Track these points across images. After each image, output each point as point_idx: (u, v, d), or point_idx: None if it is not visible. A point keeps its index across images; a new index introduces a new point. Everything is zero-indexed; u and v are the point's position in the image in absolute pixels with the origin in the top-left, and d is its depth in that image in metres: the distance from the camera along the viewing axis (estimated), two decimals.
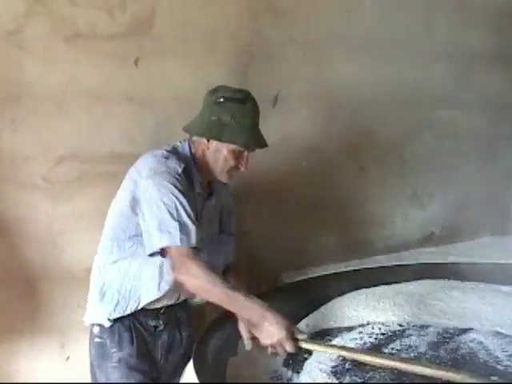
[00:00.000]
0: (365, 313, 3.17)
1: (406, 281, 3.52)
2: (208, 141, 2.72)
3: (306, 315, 3.15)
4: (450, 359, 2.69)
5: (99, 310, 2.77)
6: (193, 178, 2.74)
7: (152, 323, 2.81)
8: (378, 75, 3.96)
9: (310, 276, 3.45)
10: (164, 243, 2.55)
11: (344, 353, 2.58)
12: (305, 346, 2.53)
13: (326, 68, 3.78)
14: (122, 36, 3.15)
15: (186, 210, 2.55)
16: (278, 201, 3.60)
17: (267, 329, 2.47)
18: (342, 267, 3.60)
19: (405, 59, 4.08)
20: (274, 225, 3.63)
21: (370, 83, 3.93)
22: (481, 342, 2.86)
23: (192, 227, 2.54)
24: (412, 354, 2.73)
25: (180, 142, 2.83)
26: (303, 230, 3.71)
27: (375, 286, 3.46)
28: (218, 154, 2.72)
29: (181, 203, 2.55)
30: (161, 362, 2.86)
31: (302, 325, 3.05)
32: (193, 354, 2.49)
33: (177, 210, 2.54)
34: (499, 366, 2.62)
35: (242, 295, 2.52)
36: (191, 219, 2.55)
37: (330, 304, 3.25)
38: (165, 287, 2.70)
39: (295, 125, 3.66)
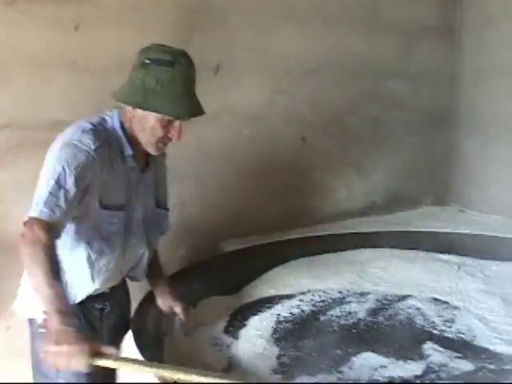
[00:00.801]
0: (306, 281, 3.21)
1: (347, 249, 3.58)
2: (133, 108, 2.37)
3: (247, 283, 3.18)
4: (387, 325, 2.75)
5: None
6: (123, 152, 2.43)
7: (99, 306, 2.57)
8: (323, 45, 3.95)
9: (252, 244, 3.44)
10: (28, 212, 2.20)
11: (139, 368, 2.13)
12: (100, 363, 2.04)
13: (271, 37, 3.75)
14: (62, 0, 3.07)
15: (65, 189, 2.20)
16: (219, 169, 3.58)
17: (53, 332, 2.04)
18: (284, 236, 3.60)
19: (351, 30, 4.08)
20: (215, 193, 3.60)
21: (315, 53, 3.91)
22: (418, 308, 2.92)
23: (61, 208, 2.18)
24: (351, 321, 2.78)
25: (112, 110, 2.48)
26: (245, 199, 3.69)
27: (317, 254, 3.50)
28: (145, 123, 2.37)
29: (64, 179, 2.21)
30: (109, 343, 2.52)
31: (242, 294, 3.08)
32: (131, 324, 2.48)
33: (58, 184, 2.20)
34: (435, 331, 2.69)
35: (58, 286, 2.10)
36: (66, 200, 2.20)
37: (271, 272, 3.28)
38: (100, 278, 2.45)
39: (238, 93, 3.63)
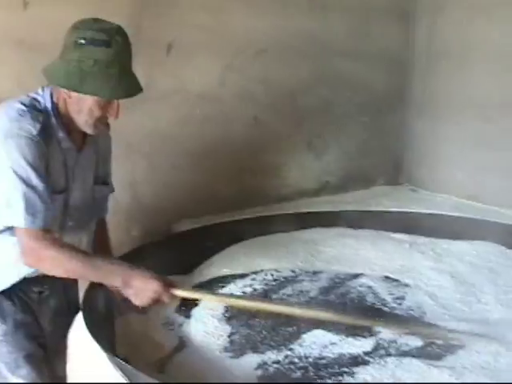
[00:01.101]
0: (259, 260, 3.20)
1: (300, 229, 3.59)
2: (69, 90, 2.30)
3: (200, 263, 3.17)
4: (339, 303, 2.76)
5: None
6: (56, 134, 2.38)
7: (36, 289, 2.55)
8: (274, 25, 3.93)
9: (205, 224, 3.43)
10: (8, 221, 2.28)
11: (222, 299, 2.66)
12: (181, 294, 2.45)
13: (222, 16, 3.72)
14: None
15: (33, 187, 2.23)
16: (171, 149, 3.56)
17: (137, 287, 2.32)
18: (237, 216, 3.60)
19: (303, 10, 4.07)
20: (167, 173, 3.59)
21: (266, 33, 3.90)
22: (370, 287, 2.94)
23: (40, 206, 2.25)
24: (303, 299, 2.79)
25: (42, 88, 2.41)
26: (198, 179, 3.68)
27: (270, 233, 3.51)
28: (82, 104, 2.32)
29: (28, 177, 2.23)
30: (49, 328, 2.60)
31: (196, 273, 3.08)
32: (81, 305, 2.45)
33: (26, 185, 2.22)
34: (385, 308, 2.71)
35: (102, 260, 2.36)
36: (40, 197, 2.25)
37: (224, 252, 3.28)
38: (27, 270, 2.42)
39: (189, 73, 3.60)
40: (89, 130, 2.41)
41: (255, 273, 3.09)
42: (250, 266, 3.14)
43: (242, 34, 3.80)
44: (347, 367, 2.21)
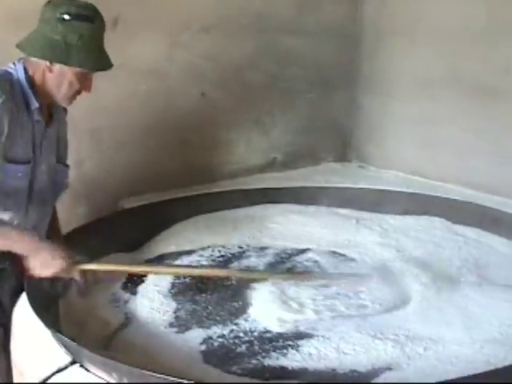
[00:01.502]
0: (206, 237, 3.21)
1: (247, 205, 3.59)
2: (51, 63, 2.39)
3: (148, 240, 3.16)
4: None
5: None
6: (30, 105, 2.44)
7: None
8: (220, 1, 3.89)
9: (152, 201, 3.41)
10: None
11: (126, 268, 2.71)
12: (90, 267, 2.45)
13: None
14: None
15: None
16: (118, 126, 3.52)
17: (44, 259, 2.34)
18: (185, 192, 3.58)
19: None
20: (113, 150, 3.54)
21: (213, 9, 3.84)
22: (316, 261, 2.97)
23: None
24: None
25: (14, 63, 2.47)
26: (144, 156, 3.64)
27: (217, 210, 3.50)
28: (63, 77, 2.41)
29: None
30: (10, 306, 2.56)
31: (143, 250, 3.07)
32: (25, 283, 2.43)
33: None
34: None
35: (14, 230, 2.39)
36: None
37: (171, 229, 3.27)
38: None
39: (136, 48, 3.53)
40: (65, 103, 2.55)
41: (202, 249, 3.11)
42: (197, 243, 3.15)
43: (189, 9, 3.74)
44: (292, 341, 2.23)
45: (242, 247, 3.15)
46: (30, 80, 2.45)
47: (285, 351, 2.17)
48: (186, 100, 3.82)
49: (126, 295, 2.62)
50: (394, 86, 4.41)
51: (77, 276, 2.41)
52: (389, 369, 2.06)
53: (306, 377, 2.01)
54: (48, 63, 2.39)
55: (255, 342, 2.24)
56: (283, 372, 2.05)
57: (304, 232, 3.35)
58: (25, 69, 2.46)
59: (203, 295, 2.57)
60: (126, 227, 3.10)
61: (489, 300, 2.48)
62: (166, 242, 3.14)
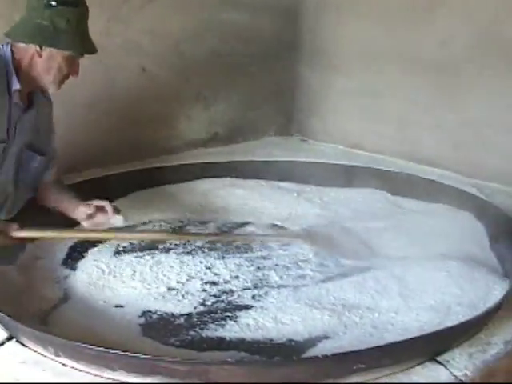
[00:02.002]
0: (147, 211, 3.21)
1: (188, 180, 3.59)
2: (41, 48, 2.48)
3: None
4: (225, 250, 2.79)
5: None
6: (10, 86, 2.50)
7: None
8: None
9: (92, 177, 3.39)
10: None
11: (61, 234, 2.67)
12: (26, 235, 2.47)
13: None
14: None
15: None
16: (56, 102, 3.44)
17: None
18: (125, 168, 3.56)
19: None
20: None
21: None
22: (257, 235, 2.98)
23: None
24: (189, 248, 2.81)
25: (2, 45, 2.56)
26: (84, 132, 3.59)
27: (158, 185, 3.50)
28: (52, 61, 2.51)
29: None
30: None
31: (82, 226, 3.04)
32: None
33: None
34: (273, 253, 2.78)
35: None
36: None
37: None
38: None
39: None
40: (53, 88, 2.63)
41: (143, 224, 3.10)
42: (138, 218, 3.14)
43: None
44: (230, 312, 2.26)
45: (182, 221, 3.16)
46: (16, 64, 2.52)
47: (223, 322, 2.19)
48: (126, 75, 3.78)
49: (66, 271, 2.60)
50: (336, 59, 4.44)
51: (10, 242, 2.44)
52: (326, 337, 2.09)
53: (243, 347, 2.03)
54: (38, 48, 2.48)
55: (193, 314, 2.25)
56: (221, 343, 2.07)
57: (245, 206, 3.38)
58: (12, 52, 2.53)
59: (142, 270, 2.57)
60: None
61: (425, 270, 2.53)
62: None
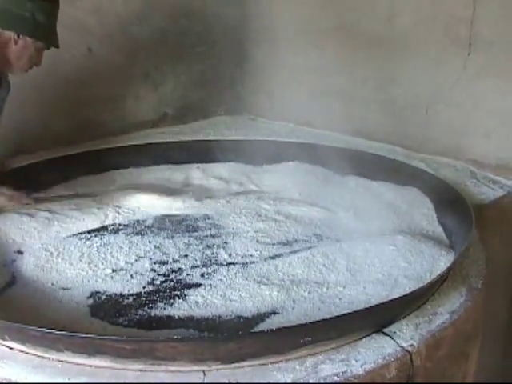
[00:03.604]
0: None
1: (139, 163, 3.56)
2: (18, 36, 2.69)
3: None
4: (174, 230, 2.80)
5: None
6: None
7: None
8: None
9: (38, 160, 3.35)
10: None
11: None
12: None
13: None
14: None
15: None
16: None
17: None
18: (73, 150, 3.53)
19: None
20: None
21: None
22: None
23: None
24: (139, 228, 2.82)
25: None
26: (29, 114, 3.52)
27: (106, 170, 3.47)
28: (26, 50, 2.74)
29: None
30: None
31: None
32: None
33: None
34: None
35: None
36: None
37: (55, 188, 3.23)
38: None
39: None
40: (20, 73, 2.89)
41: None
42: None
43: None
44: (179, 290, 2.26)
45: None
46: None
47: (172, 301, 2.18)
48: (73, 55, 3.71)
49: (14, 254, 2.57)
50: (282, 37, 4.42)
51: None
52: (274, 313, 2.10)
53: (192, 324, 2.03)
54: (16, 36, 2.68)
55: (142, 293, 2.25)
56: (169, 321, 2.07)
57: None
58: None
59: (90, 252, 2.56)
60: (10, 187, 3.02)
61: (372, 244, 2.55)
62: None
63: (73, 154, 3.45)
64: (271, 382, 1.71)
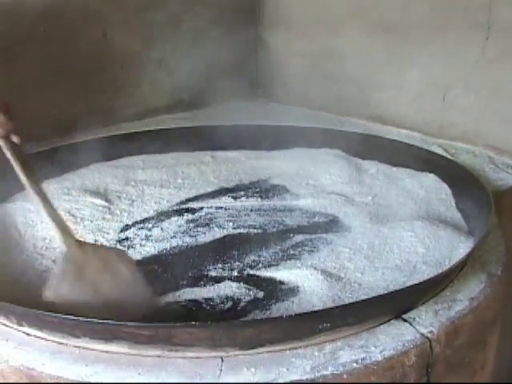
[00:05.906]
0: (107, 181, 3.16)
1: (150, 149, 3.54)
2: None
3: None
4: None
5: None
6: None
7: None
8: None
9: (55, 146, 3.33)
10: None
11: None
12: None
13: None
14: None
15: None
16: (14, 69, 3.40)
17: None
18: (88, 136, 3.51)
19: None
20: (11, 95, 3.38)
21: None
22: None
23: None
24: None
25: None
26: (44, 101, 3.52)
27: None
28: None
29: None
30: None
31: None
32: None
33: None
34: None
35: None
36: None
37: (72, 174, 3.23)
38: None
39: None
40: None
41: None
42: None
43: None
44: None
45: None
46: None
47: None
48: (87, 41, 3.70)
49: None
50: (299, 22, 4.40)
51: None
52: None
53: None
54: None
55: None
56: None
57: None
58: None
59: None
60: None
61: (391, 231, 2.55)
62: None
63: (88, 141, 3.43)
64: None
